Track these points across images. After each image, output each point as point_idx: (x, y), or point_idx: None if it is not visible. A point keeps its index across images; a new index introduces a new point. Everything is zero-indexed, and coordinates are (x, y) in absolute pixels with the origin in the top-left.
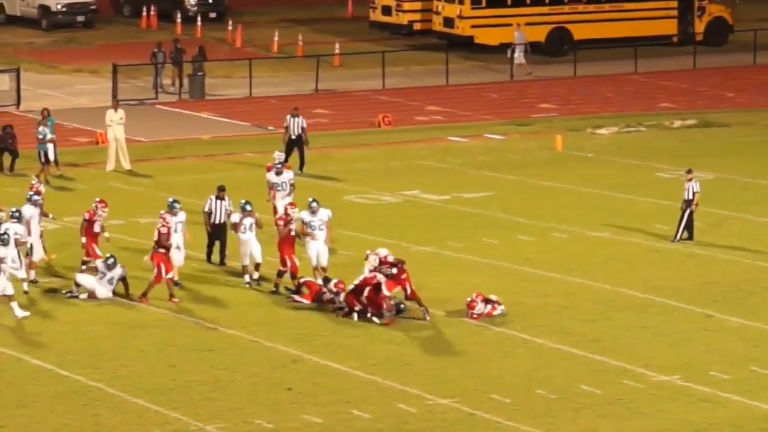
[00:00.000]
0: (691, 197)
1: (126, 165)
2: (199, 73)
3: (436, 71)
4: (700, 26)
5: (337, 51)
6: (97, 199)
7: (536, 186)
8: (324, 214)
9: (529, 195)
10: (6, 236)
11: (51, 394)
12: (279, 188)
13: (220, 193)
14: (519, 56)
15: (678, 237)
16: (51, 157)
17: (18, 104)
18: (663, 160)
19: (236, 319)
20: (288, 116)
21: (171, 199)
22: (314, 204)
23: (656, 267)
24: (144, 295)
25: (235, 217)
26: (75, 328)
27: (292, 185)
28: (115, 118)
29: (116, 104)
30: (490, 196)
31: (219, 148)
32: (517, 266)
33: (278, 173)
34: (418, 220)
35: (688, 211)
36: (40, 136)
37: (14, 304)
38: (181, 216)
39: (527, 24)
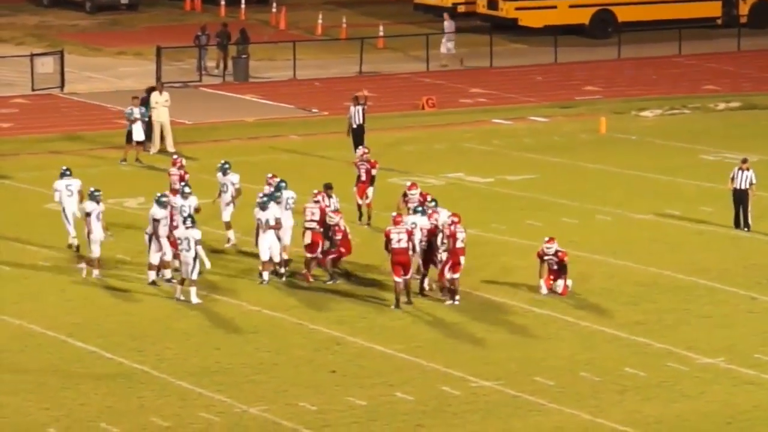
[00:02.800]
0: (747, 187)
1: (170, 147)
2: (243, 56)
3: (480, 54)
4: (744, 8)
5: (381, 33)
6: (269, 175)
7: (580, 168)
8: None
9: (573, 177)
10: (191, 218)
11: (95, 376)
12: (222, 189)
13: (328, 191)
14: (450, 46)
15: (747, 224)
16: (142, 137)
17: (62, 87)
18: (707, 142)
19: (280, 301)
20: (351, 106)
21: (265, 194)
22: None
23: (700, 249)
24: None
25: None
26: (119, 311)
27: (237, 189)
28: (161, 101)
29: (161, 86)
30: (535, 179)
31: (263, 130)
32: (561, 248)
33: (224, 173)
34: (462, 203)
35: (746, 200)
36: (131, 117)
37: (193, 289)
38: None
39: (571, 6)
